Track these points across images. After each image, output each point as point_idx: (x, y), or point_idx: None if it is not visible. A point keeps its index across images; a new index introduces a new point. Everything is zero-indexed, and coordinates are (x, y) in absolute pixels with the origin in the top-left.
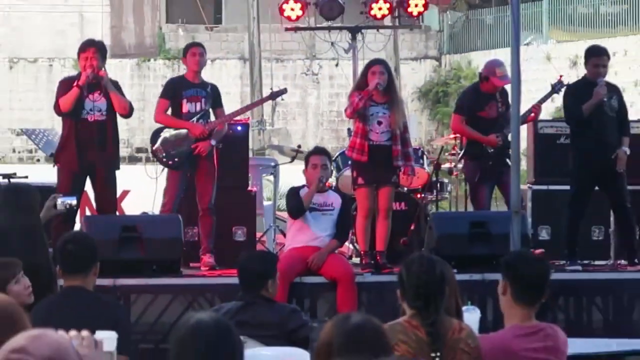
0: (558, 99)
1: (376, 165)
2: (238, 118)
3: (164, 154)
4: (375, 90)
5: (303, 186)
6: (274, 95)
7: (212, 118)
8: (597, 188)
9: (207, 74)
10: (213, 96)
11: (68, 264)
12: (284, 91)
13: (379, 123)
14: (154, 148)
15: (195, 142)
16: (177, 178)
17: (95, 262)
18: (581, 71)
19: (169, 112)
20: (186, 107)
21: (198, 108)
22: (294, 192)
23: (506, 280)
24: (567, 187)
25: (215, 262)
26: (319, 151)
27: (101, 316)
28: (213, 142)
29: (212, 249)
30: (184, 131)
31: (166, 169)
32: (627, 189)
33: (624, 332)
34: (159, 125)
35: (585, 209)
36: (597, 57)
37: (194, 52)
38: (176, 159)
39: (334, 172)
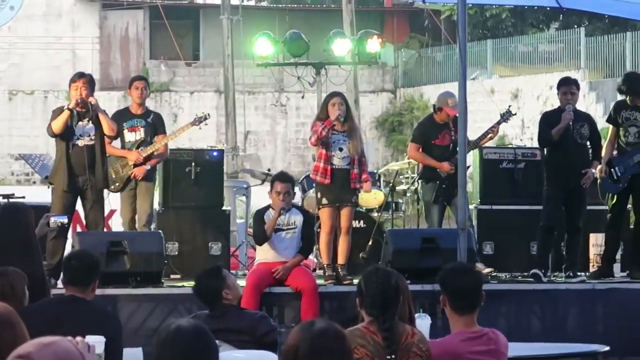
0: (501, 128)
1: (338, 187)
2: (214, 145)
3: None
4: (336, 121)
5: (267, 207)
6: (196, 122)
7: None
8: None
9: (186, 105)
10: (154, 124)
11: (68, 277)
12: (207, 117)
13: (340, 149)
14: None
15: (133, 168)
16: (124, 199)
17: (93, 280)
18: (521, 103)
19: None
20: (127, 136)
21: (137, 137)
22: (259, 218)
23: (444, 294)
24: (509, 207)
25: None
26: (283, 178)
27: (97, 325)
28: (148, 167)
29: None
30: (124, 159)
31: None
32: (585, 211)
33: (559, 338)
34: None
35: (556, 225)
36: (565, 86)
37: (137, 86)
38: (117, 184)
39: (300, 193)
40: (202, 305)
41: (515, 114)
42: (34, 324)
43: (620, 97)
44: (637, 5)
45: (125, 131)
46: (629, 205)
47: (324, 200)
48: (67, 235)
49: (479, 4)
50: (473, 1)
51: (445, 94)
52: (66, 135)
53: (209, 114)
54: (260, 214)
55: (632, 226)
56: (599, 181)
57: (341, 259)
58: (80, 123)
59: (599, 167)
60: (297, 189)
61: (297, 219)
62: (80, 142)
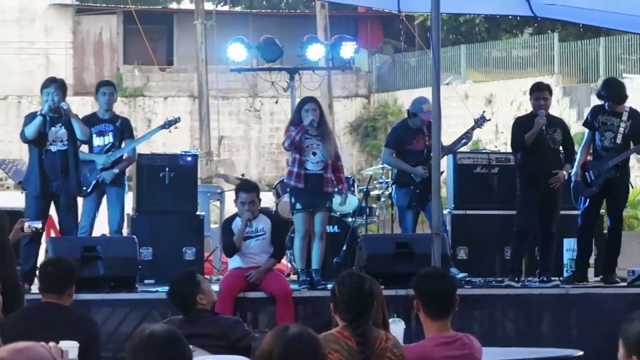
0: (475, 133)
1: (311, 192)
2: (188, 150)
3: None
4: (309, 126)
5: (235, 216)
6: (168, 124)
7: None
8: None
9: (160, 110)
10: (122, 129)
11: (45, 283)
12: (177, 120)
13: (314, 154)
14: None
15: (100, 172)
16: (88, 204)
17: (70, 285)
18: (495, 108)
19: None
20: (95, 141)
21: (106, 141)
22: (227, 228)
23: (417, 299)
24: (483, 212)
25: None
26: (247, 188)
27: (75, 330)
28: (116, 171)
29: None
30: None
31: None
32: (558, 216)
33: (532, 343)
34: None
35: (529, 230)
36: (538, 91)
37: (104, 91)
38: (84, 188)
39: (274, 198)
40: (177, 310)
41: (489, 120)
42: (12, 332)
43: (597, 102)
44: (610, 14)
45: (94, 136)
46: (602, 210)
47: (298, 205)
48: (40, 240)
49: (453, 13)
50: (447, 10)
51: (419, 99)
52: (39, 141)
53: (179, 117)
54: (227, 224)
55: (605, 231)
56: (572, 184)
57: (315, 264)
58: (53, 128)
59: (574, 171)
60: (271, 194)
61: (265, 224)
62: (53, 148)
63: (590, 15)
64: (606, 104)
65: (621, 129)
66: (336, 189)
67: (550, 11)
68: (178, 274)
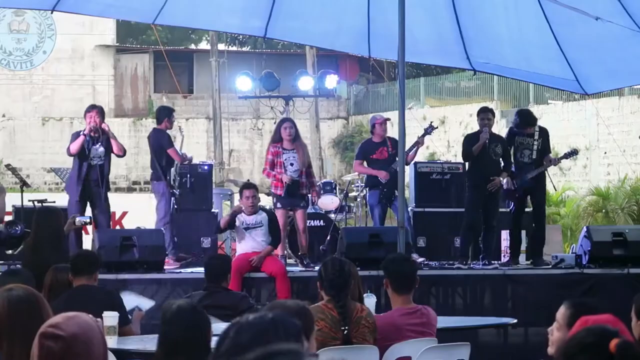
0: (432, 147)
1: (290, 195)
2: (205, 160)
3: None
4: (287, 140)
5: (241, 211)
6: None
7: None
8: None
9: (183, 129)
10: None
11: (77, 269)
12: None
13: (291, 164)
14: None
15: None
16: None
17: (96, 269)
18: (447, 128)
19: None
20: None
21: None
22: (232, 216)
23: (386, 278)
24: (438, 209)
25: (186, 262)
26: (249, 186)
27: (104, 301)
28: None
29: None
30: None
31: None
32: (498, 213)
33: (477, 313)
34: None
35: (475, 224)
36: (483, 113)
37: (173, 118)
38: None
39: (272, 200)
40: (195, 286)
41: (437, 127)
42: (58, 308)
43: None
44: (526, 72)
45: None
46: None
47: (279, 205)
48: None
49: (412, 62)
50: (408, 60)
51: (373, 117)
52: (81, 154)
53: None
54: (234, 214)
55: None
56: (502, 191)
57: (304, 251)
58: (94, 146)
59: (504, 180)
60: (270, 198)
61: (262, 217)
62: (93, 162)
63: (516, 72)
64: (520, 130)
65: (535, 146)
66: (309, 195)
67: (484, 67)
68: (219, 254)
